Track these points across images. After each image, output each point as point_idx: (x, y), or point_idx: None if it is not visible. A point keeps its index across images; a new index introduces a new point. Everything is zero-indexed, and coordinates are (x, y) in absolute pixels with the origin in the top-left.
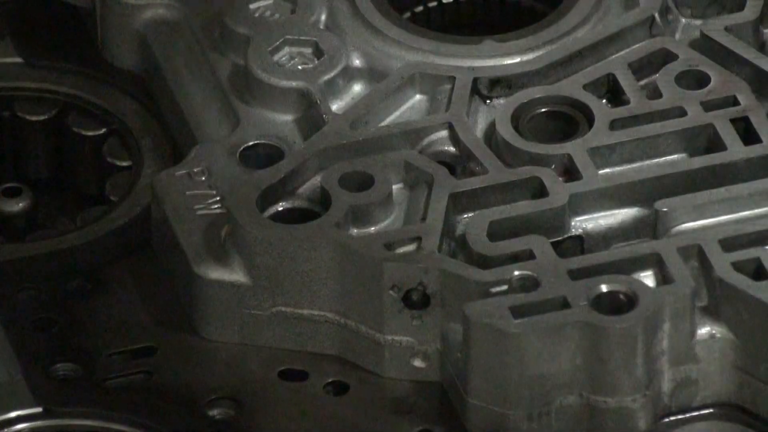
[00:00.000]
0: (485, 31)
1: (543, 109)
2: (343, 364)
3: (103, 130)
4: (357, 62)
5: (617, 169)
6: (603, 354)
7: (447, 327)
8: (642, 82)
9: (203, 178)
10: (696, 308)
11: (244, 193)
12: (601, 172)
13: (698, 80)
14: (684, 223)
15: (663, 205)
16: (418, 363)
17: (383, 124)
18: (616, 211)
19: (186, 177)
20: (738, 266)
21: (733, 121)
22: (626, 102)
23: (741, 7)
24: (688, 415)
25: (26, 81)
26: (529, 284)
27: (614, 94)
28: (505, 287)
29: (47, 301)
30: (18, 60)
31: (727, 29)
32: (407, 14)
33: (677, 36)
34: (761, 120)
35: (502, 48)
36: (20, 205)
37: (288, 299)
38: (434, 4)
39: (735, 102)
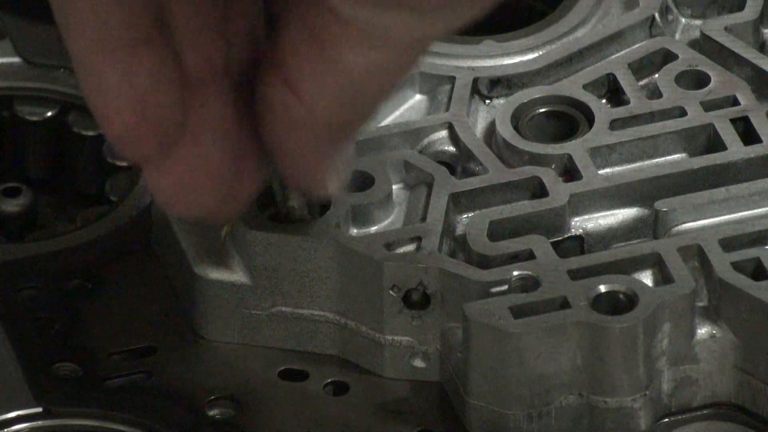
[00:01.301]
0: (485, 31)
1: (543, 109)
2: (343, 364)
3: None
4: None
5: (617, 169)
6: (603, 354)
7: (447, 327)
8: (642, 82)
9: None
10: (696, 308)
11: None
12: (601, 172)
13: (698, 80)
14: (684, 223)
15: (663, 205)
16: (418, 363)
17: (383, 124)
18: (616, 211)
19: None
20: (738, 266)
21: (733, 121)
22: (626, 102)
23: (741, 7)
24: (688, 415)
25: (26, 81)
26: (529, 284)
27: (614, 94)
28: (505, 287)
29: (47, 301)
30: (18, 60)
31: (727, 29)
32: None
33: (677, 36)
34: (761, 120)
35: (502, 48)
36: (20, 205)
37: (288, 299)
38: None
39: (735, 102)
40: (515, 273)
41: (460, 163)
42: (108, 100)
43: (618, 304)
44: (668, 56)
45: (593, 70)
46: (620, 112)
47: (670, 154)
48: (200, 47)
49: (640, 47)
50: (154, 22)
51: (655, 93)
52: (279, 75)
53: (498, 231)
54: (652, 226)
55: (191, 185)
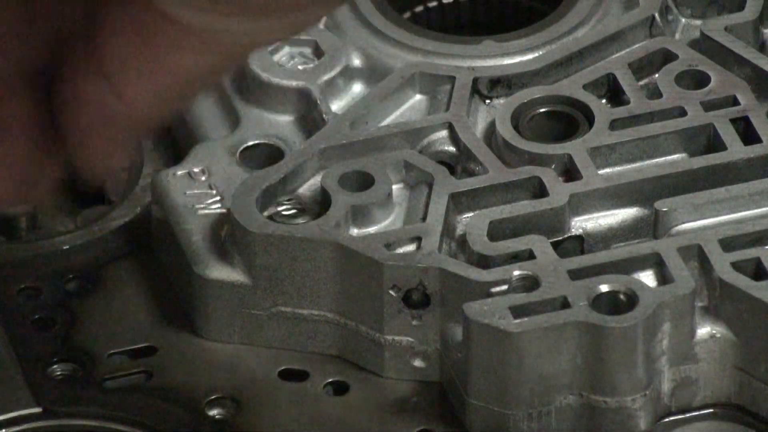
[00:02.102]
0: (485, 31)
1: (543, 109)
2: (343, 364)
3: None
4: (357, 62)
5: (617, 169)
6: (603, 354)
7: (447, 327)
8: (642, 82)
9: (203, 178)
10: (696, 308)
11: (244, 193)
12: (601, 172)
13: (698, 80)
14: (684, 223)
15: (663, 205)
16: (418, 363)
17: (383, 124)
18: (616, 211)
19: (186, 177)
20: (738, 266)
21: (733, 121)
22: (626, 102)
23: (741, 7)
24: (688, 415)
25: None
26: (529, 284)
27: (614, 94)
28: (505, 287)
29: (47, 301)
30: None
31: (727, 29)
32: (407, 14)
33: (677, 36)
34: (761, 120)
35: (502, 48)
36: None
37: (288, 299)
38: (434, 4)
39: (735, 102)
40: (515, 273)
41: (460, 163)
42: None
43: (618, 304)
44: (668, 56)
45: (593, 70)
46: (620, 112)
47: (670, 154)
48: (2, 49)
49: (640, 47)
50: None
51: (655, 93)
52: (98, 71)
53: (498, 231)
54: (652, 226)
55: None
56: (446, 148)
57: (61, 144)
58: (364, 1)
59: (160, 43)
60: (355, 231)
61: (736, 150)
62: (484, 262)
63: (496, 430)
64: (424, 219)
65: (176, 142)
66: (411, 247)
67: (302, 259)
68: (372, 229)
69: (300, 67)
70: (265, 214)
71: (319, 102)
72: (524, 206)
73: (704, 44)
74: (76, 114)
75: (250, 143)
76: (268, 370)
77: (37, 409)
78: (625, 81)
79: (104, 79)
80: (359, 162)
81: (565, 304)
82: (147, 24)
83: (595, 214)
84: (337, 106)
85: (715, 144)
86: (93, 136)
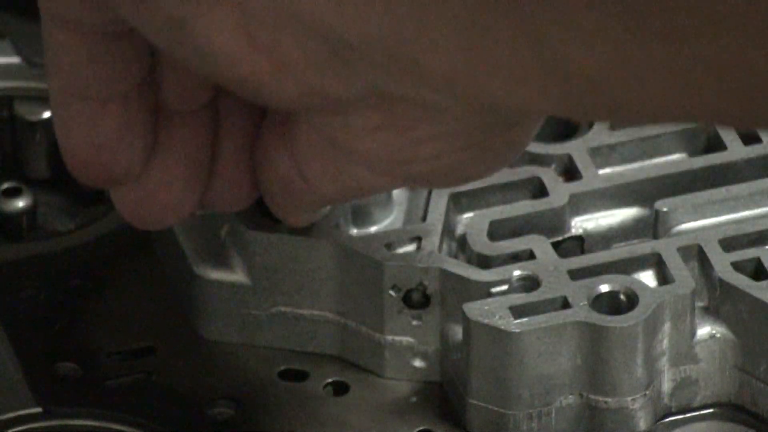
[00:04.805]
0: None
1: None
2: (343, 364)
3: None
4: None
5: (617, 169)
6: (603, 354)
7: (447, 327)
8: None
9: None
10: (696, 308)
11: None
12: (601, 172)
13: None
14: (684, 223)
15: (663, 205)
16: (418, 363)
17: None
18: (616, 211)
19: None
20: (738, 266)
21: None
22: None
23: None
24: (688, 415)
25: (26, 81)
26: (529, 284)
27: None
28: (505, 287)
29: (47, 301)
30: (18, 60)
31: None
32: None
33: None
34: None
35: None
36: (20, 205)
37: (288, 299)
38: None
39: None
40: (515, 273)
41: None
42: (69, 136)
43: (618, 304)
44: None
45: None
46: None
47: (670, 154)
48: (186, 91)
49: None
50: (134, 83)
51: None
52: (287, 149)
53: (498, 231)
54: (652, 226)
55: (152, 206)
56: None
57: (210, 176)
58: None
59: (348, 160)
60: (355, 231)
61: (736, 150)
62: (484, 262)
63: (496, 430)
64: (424, 219)
65: None
66: (411, 247)
67: (302, 259)
68: (372, 229)
69: None
70: None
71: None
72: (524, 206)
73: None
74: (262, 176)
75: None
76: (268, 370)
77: (37, 409)
78: None
79: (292, 157)
80: None
81: (565, 304)
82: (337, 142)
83: (595, 214)
84: None
85: (714, 144)
86: (274, 199)
